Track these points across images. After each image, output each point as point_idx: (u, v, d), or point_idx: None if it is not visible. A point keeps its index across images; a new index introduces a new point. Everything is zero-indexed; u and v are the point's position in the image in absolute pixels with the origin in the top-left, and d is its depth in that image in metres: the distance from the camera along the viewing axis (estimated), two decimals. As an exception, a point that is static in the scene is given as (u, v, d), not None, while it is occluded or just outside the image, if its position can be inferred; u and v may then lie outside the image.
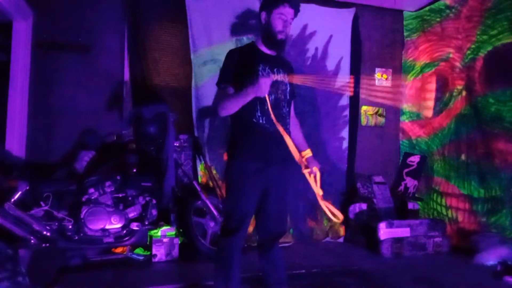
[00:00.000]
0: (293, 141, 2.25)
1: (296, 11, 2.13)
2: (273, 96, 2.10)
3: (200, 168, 3.95)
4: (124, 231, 3.23)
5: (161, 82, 4.04)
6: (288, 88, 2.20)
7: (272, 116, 2.03)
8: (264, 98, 2.02)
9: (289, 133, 2.19)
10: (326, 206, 2.11)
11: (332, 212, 2.11)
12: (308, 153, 2.24)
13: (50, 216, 3.05)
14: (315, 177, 2.16)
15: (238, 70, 2.09)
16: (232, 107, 2.04)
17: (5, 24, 3.70)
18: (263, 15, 2.14)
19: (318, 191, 2.13)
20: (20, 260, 2.18)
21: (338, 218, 2.12)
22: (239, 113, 2.07)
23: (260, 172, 2.07)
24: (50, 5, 3.83)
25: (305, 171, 2.14)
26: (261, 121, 2.08)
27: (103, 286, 2.82)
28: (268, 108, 2.05)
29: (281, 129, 2.03)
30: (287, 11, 2.09)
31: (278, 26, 2.09)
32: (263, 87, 1.90)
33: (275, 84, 2.10)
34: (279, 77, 2.14)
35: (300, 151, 2.22)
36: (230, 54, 2.18)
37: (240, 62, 2.11)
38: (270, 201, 2.15)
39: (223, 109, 2.07)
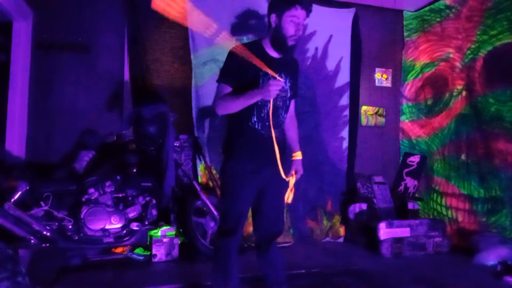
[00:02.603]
0: (287, 141, 2.26)
1: (308, 12, 2.03)
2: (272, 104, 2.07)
3: (200, 168, 3.95)
4: (124, 231, 3.23)
5: (161, 82, 4.04)
6: (288, 94, 2.17)
7: (271, 124, 2.01)
8: (264, 103, 2.01)
9: (283, 140, 2.18)
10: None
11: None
12: (297, 155, 2.24)
13: (50, 216, 3.04)
14: (291, 182, 2.16)
15: (239, 70, 2.05)
16: (232, 108, 2.03)
17: (5, 24, 3.69)
18: (273, 17, 2.04)
19: (288, 197, 2.15)
20: (20, 260, 2.18)
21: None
22: (236, 115, 2.06)
23: (256, 173, 2.07)
24: (50, 5, 3.83)
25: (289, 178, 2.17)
26: (256, 126, 2.07)
27: (103, 286, 2.83)
28: (264, 115, 2.04)
29: (274, 140, 2.02)
30: (300, 13, 1.98)
31: (290, 30, 2.00)
32: (272, 91, 1.86)
33: None
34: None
35: (291, 152, 2.24)
36: (233, 53, 2.08)
37: (242, 62, 2.03)
38: (266, 202, 2.15)
39: (223, 108, 2.06)
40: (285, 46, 2.05)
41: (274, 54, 2.10)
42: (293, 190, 2.15)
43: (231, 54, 2.09)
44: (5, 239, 2.54)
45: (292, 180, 2.16)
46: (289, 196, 2.15)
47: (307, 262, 3.46)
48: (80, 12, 3.90)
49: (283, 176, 2.07)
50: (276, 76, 1.98)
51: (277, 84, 1.87)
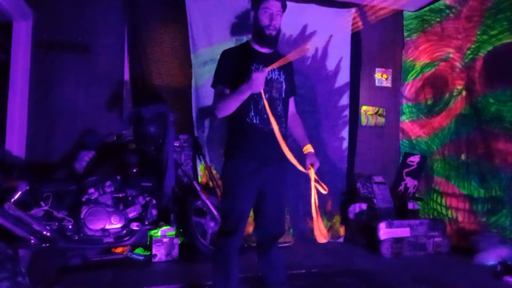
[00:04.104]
0: (294, 137, 2.25)
1: (283, 2, 2.11)
2: (267, 95, 2.08)
3: (200, 168, 3.95)
4: (124, 231, 3.23)
5: (161, 82, 4.04)
6: (284, 86, 2.17)
7: (269, 112, 2.01)
8: (259, 95, 2.01)
9: (284, 132, 2.17)
10: (316, 220, 2.11)
11: (319, 230, 2.12)
12: (308, 148, 2.21)
13: (50, 216, 3.05)
14: (311, 175, 2.11)
15: (232, 71, 2.08)
16: (229, 108, 2.04)
17: (5, 24, 3.70)
18: (252, 14, 2.15)
19: (315, 198, 2.10)
20: (20, 260, 2.18)
21: (321, 238, 2.13)
22: (234, 114, 2.06)
23: (256, 173, 2.07)
24: (50, 5, 3.84)
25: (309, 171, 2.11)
26: (255, 121, 2.07)
27: (103, 286, 2.83)
28: (262, 108, 2.04)
29: (275, 128, 2.00)
30: (272, 3, 2.07)
31: (264, 20, 2.08)
32: (257, 82, 1.89)
33: (269, 83, 2.08)
34: (274, 75, 2.12)
35: (301, 146, 2.22)
36: (224, 55, 2.18)
37: (234, 62, 2.11)
38: (267, 202, 2.15)
39: (220, 111, 2.07)
40: (264, 37, 2.10)
41: (262, 49, 2.15)
42: (318, 182, 2.11)
43: (222, 57, 2.17)
44: (5, 239, 2.54)
45: (312, 174, 2.12)
46: (322, 187, 2.11)
47: (307, 262, 3.46)
48: (80, 12, 3.90)
49: (300, 167, 2.05)
50: (259, 67, 2.00)
51: (260, 75, 1.89)
